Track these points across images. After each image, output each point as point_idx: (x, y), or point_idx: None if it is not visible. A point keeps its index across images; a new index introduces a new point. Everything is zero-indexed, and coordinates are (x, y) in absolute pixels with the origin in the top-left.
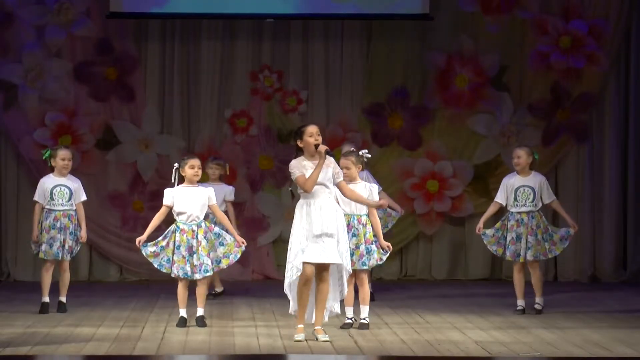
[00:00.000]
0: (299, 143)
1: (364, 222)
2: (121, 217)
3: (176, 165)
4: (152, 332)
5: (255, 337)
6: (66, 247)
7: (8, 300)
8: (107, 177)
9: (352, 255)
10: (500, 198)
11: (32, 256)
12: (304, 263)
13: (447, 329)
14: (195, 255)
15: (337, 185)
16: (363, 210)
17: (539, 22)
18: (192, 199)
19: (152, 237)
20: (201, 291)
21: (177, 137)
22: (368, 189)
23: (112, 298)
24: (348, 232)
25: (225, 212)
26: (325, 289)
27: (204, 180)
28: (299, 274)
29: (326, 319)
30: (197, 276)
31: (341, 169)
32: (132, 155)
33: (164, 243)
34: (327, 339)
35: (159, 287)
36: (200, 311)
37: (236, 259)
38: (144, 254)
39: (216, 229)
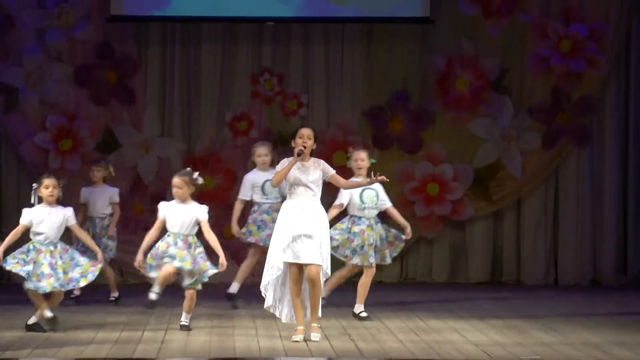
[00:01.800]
0: (292, 143)
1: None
2: (121, 220)
3: (35, 185)
4: (153, 335)
5: (256, 339)
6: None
7: (8, 303)
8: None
9: None
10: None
11: None
12: (288, 263)
13: (448, 332)
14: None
15: (331, 179)
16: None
17: (539, 26)
18: (48, 220)
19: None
20: (56, 298)
21: (178, 140)
22: (197, 208)
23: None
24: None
25: (112, 215)
26: (316, 289)
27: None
28: (279, 273)
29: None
30: (49, 289)
31: (173, 187)
32: (132, 158)
33: (27, 258)
34: (318, 339)
35: None
36: (48, 313)
37: (94, 277)
38: (7, 268)
39: (70, 252)
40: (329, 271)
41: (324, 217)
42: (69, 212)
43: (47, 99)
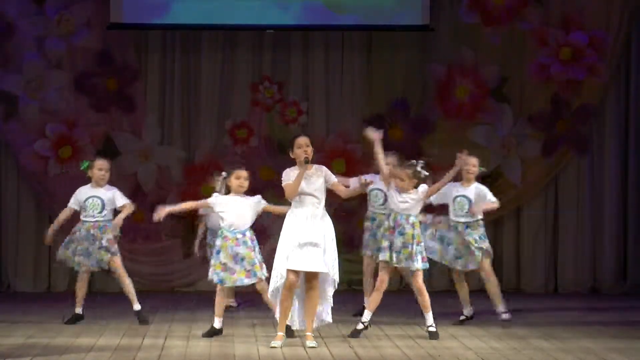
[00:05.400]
0: (291, 154)
1: (412, 223)
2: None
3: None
4: (152, 342)
5: (255, 347)
6: (97, 257)
7: (8, 311)
8: None
9: (399, 254)
10: None
11: (32, 267)
12: (288, 270)
13: (446, 339)
14: None
15: (332, 187)
16: (412, 211)
17: (539, 34)
18: None
19: None
20: None
21: (178, 148)
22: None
23: (112, 309)
24: (395, 229)
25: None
26: (314, 296)
27: None
28: (283, 280)
29: (315, 325)
30: None
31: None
32: (132, 166)
33: None
34: (315, 345)
35: (159, 298)
36: None
37: None
38: None
39: None
40: (336, 277)
41: (329, 225)
42: None
43: (47, 107)
